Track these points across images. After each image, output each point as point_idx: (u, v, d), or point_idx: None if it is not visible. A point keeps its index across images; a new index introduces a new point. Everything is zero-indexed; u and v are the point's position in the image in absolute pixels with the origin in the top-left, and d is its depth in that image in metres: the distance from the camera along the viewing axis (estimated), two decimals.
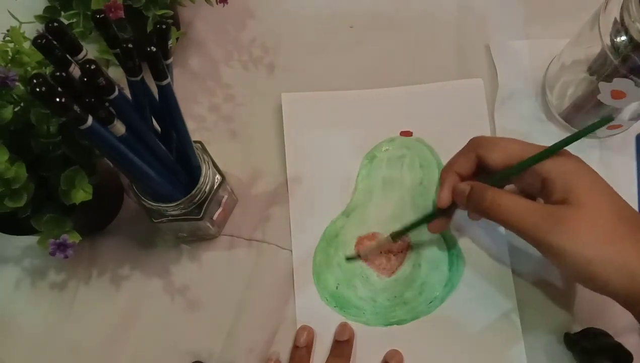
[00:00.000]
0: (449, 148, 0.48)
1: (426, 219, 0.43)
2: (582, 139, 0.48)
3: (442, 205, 0.41)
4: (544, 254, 0.36)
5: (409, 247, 0.46)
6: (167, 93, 0.33)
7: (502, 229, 0.46)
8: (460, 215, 0.47)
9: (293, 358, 0.43)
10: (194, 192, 0.39)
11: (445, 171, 0.41)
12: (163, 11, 0.43)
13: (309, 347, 0.43)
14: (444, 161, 0.48)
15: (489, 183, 0.38)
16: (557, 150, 0.37)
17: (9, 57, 0.35)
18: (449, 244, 0.46)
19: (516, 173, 0.37)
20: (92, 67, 0.28)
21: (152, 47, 0.30)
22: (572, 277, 0.36)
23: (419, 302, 0.44)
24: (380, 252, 0.46)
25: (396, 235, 0.44)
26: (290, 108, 0.50)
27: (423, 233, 0.46)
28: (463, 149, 0.41)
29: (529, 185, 0.38)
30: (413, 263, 0.46)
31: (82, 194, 0.36)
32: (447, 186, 0.40)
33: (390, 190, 0.48)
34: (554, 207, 0.35)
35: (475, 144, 0.40)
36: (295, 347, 0.43)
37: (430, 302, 0.44)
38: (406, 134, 0.49)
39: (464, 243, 0.46)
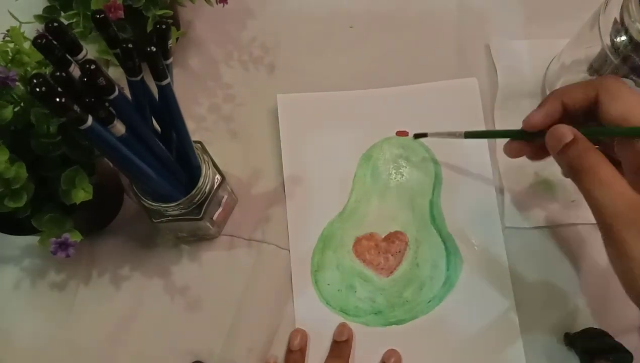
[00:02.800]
0: (445, 147, 0.48)
1: (508, 133, 0.38)
2: None
3: (528, 127, 0.36)
4: (605, 245, 0.32)
5: (407, 247, 0.46)
6: (167, 93, 0.33)
7: (499, 227, 0.46)
8: (459, 215, 0.47)
9: (287, 362, 0.43)
10: (194, 192, 0.39)
11: (553, 95, 0.36)
12: (163, 11, 0.43)
13: (302, 350, 0.43)
14: (440, 160, 0.48)
15: (586, 133, 0.33)
16: None
17: (9, 57, 0.35)
18: (447, 243, 0.46)
19: (628, 135, 0.33)
20: (92, 67, 0.28)
21: (152, 47, 0.30)
22: (621, 282, 0.32)
23: (418, 302, 0.45)
24: (379, 252, 0.46)
25: (469, 135, 0.41)
26: (286, 109, 0.50)
27: (421, 233, 0.46)
28: (585, 81, 0.35)
29: (634, 161, 0.33)
30: (411, 263, 0.46)
31: (82, 194, 0.36)
32: (545, 110, 0.35)
33: (387, 190, 0.48)
34: None
35: (601, 83, 0.34)
36: (289, 351, 0.43)
37: (429, 302, 0.44)
38: (402, 133, 0.49)
39: (461, 242, 0.46)
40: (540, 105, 0.36)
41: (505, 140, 0.40)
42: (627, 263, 0.31)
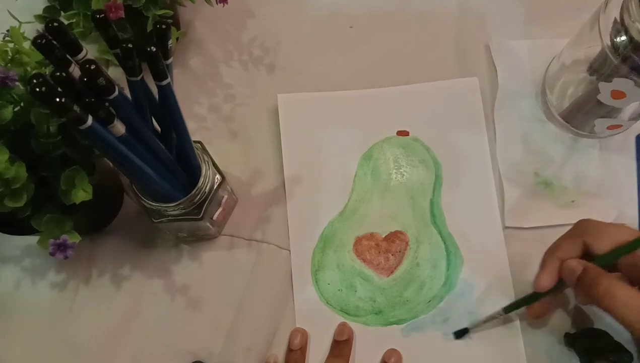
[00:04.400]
0: (445, 147, 0.48)
1: (526, 301, 0.41)
2: (582, 138, 0.49)
3: (540, 288, 0.39)
4: None
5: (408, 247, 0.46)
6: (167, 93, 0.33)
7: (499, 227, 0.46)
8: (459, 215, 0.47)
9: (288, 361, 0.43)
10: (194, 192, 0.39)
11: (548, 254, 0.40)
12: (163, 11, 0.43)
13: (303, 349, 0.43)
14: (441, 160, 0.48)
15: (595, 264, 0.36)
16: None
17: (9, 57, 0.35)
18: (447, 243, 0.46)
19: (623, 253, 0.36)
20: (92, 67, 0.28)
21: (152, 47, 0.30)
22: None
23: (418, 302, 0.45)
24: (379, 252, 0.46)
25: (508, 310, 0.42)
26: (287, 109, 0.50)
27: (421, 232, 0.46)
28: (568, 232, 0.39)
29: (633, 272, 0.36)
30: (411, 263, 0.46)
31: (82, 194, 0.36)
32: (548, 270, 0.39)
33: (387, 190, 0.48)
34: None
35: (582, 229, 0.38)
36: (290, 350, 0.43)
37: (429, 301, 0.44)
38: (403, 133, 0.49)
39: (461, 242, 0.46)
40: (542, 268, 0.39)
41: None
42: None
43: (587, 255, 0.38)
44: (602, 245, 0.37)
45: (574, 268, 0.37)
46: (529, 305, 0.41)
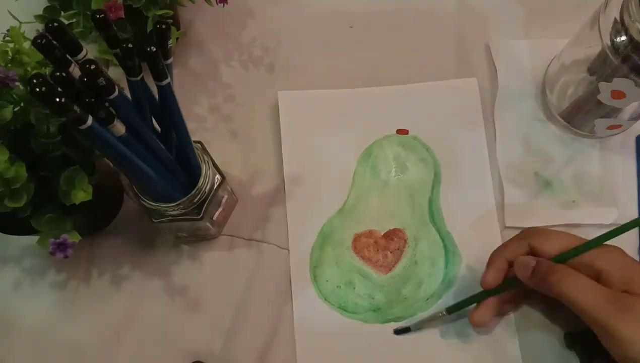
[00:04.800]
0: (444, 146, 0.49)
1: (470, 302, 0.42)
2: (582, 138, 0.49)
3: (486, 286, 0.41)
4: (601, 338, 0.36)
5: (406, 244, 0.46)
6: (167, 93, 0.33)
7: (497, 226, 0.46)
8: (458, 214, 0.47)
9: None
10: (194, 192, 0.39)
11: (495, 255, 0.41)
12: (163, 11, 0.43)
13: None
14: (440, 159, 0.48)
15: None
16: (606, 240, 0.37)
17: (9, 57, 0.35)
18: (446, 241, 0.46)
19: (570, 257, 0.38)
20: (92, 67, 0.28)
21: (152, 47, 0.30)
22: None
23: (417, 299, 0.45)
24: (378, 249, 0.46)
25: (451, 310, 0.42)
26: (287, 106, 0.50)
27: (420, 230, 0.46)
28: (515, 237, 0.41)
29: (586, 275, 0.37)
30: (410, 261, 0.46)
31: (82, 194, 0.36)
32: (494, 269, 0.41)
33: (386, 187, 0.48)
34: (620, 294, 0.35)
35: (529, 234, 0.41)
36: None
37: (428, 299, 0.45)
38: (402, 132, 0.49)
39: (460, 240, 0.46)
40: (488, 266, 0.41)
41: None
42: (629, 349, 0.34)
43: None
44: (547, 247, 0.39)
45: (527, 262, 0.38)
46: (471, 312, 0.41)
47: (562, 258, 0.38)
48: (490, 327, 0.44)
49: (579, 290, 0.36)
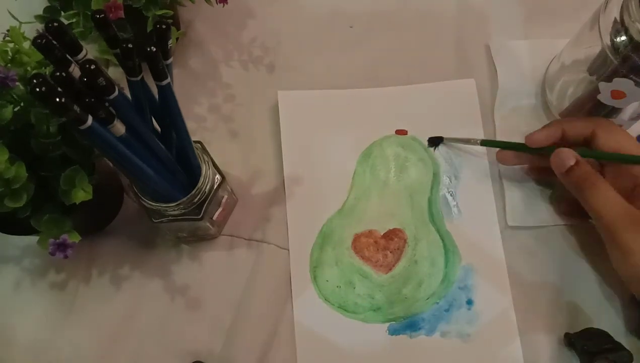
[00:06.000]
0: (444, 146, 0.49)
1: (507, 145, 0.45)
2: None
3: (531, 141, 0.43)
4: (610, 249, 0.39)
5: (406, 244, 0.46)
6: (167, 93, 0.33)
7: (497, 226, 0.46)
8: (457, 213, 0.47)
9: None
10: (194, 192, 0.39)
11: (556, 122, 0.43)
12: (163, 11, 0.43)
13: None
14: (439, 160, 0.48)
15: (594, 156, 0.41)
16: None
17: (9, 57, 0.35)
18: (445, 241, 0.46)
19: (621, 161, 0.40)
20: (92, 67, 0.28)
21: (152, 47, 0.30)
22: (628, 279, 0.39)
23: (417, 299, 0.45)
24: (377, 249, 0.46)
25: (485, 143, 0.46)
26: (287, 105, 0.50)
27: (420, 230, 0.46)
28: (584, 118, 0.43)
29: (621, 184, 0.40)
30: (410, 260, 0.46)
31: (82, 194, 0.36)
32: (547, 131, 0.42)
33: (386, 187, 0.48)
34: (638, 211, 0.38)
35: (598, 122, 0.42)
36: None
37: (428, 299, 0.45)
38: (401, 132, 0.49)
39: (460, 240, 0.46)
40: (543, 127, 0.43)
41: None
42: (630, 259, 0.37)
43: (585, 143, 0.42)
44: (610, 140, 0.40)
45: (567, 157, 0.40)
46: (500, 150, 0.45)
47: (599, 156, 0.40)
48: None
49: (602, 198, 0.38)
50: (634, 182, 0.40)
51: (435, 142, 0.48)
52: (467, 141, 0.47)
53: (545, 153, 0.42)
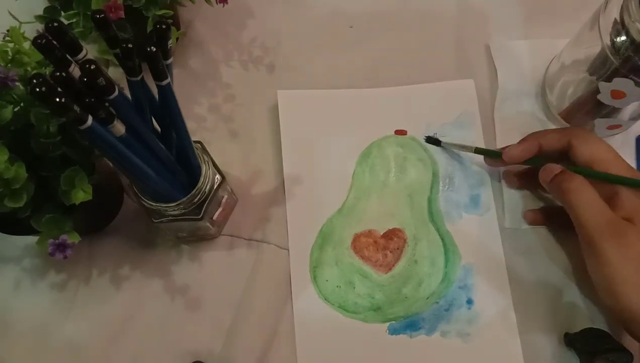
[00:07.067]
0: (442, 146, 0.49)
1: (492, 153, 0.45)
2: None
3: (507, 158, 0.43)
4: (586, 256, 0.38)
5: (406, 244, 0.46)
6: (167, 93, 0.33)
7: (496, 226, 0.46)
8: (457, 213, 0.47)
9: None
10: (194, 192, 0.39)
11: (532, 135, 0.43)
12: (163, 11, 0.43)
13: None
14: (438, 160, 0.48)
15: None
16: (634, 185, 0.39)
17: (9, 57, 0.35)
18: (445, 241, 0.46)
19: (597, 179, 0.39)
20: (92, 67, 0.28)
21: (152, 47, 0.30)
22: (600, 288, 0.38)
23: (417, 298, 0.45)
24: (377, 249, 0.46)
25: (478, 151, 0.46)
26: (286, 105, 0.50)
27: (419, 230, 0.46)
28: (559, 129, 0.43)
29: (599, 190, 0.39)
30: (409, 260, 0.46)
31: (82, 194, 0.36)
32: (523, 146, 0.42)
33: (385, 187, 0.48)
34: (620, 220, 0.37)
35: (573, 131, 0.42)
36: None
37: (427, 298, 0.45)
38: (401, 132, 0.49)
39: (459, 239, 0.46)
40: (520, 142, 0.43)
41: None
42: (606, 270, 0.37)
43: (561, 155, 0.42)
44: (585, 149, 0.40)
45: (553, 168, 0.41)
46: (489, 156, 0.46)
47: (585, 173, 0.40)
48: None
49: (585, 204, 0.38)
50: (612, 191, 0.39)
51: (433, 142, 0.49)
52: (463, 147, 0.47)
53: (528, 163, 0.43)
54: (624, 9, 0.38)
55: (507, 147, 0.43)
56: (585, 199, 0.38)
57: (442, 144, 0.48)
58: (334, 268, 0.45)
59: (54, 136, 0.35)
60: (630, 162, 0.48)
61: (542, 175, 0.42)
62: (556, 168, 0.41)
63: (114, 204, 0.47)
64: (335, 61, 0.52)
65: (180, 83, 0.51)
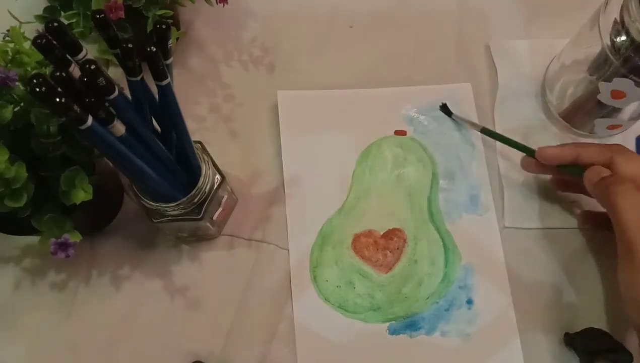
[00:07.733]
0: (443, 146, 0.49)
1: (519, 146, 0.45)
2: (582, 138, 0.49)
3: (540, 157, 0.42)
4: (622, 260, 0.38)
5: (406, 244, 0.46)
6: (167, 93, 0.33)
7: (496, 226, 0.46)
8: (457, 213, 0.47)
9: None
10: (194, 192, 0.39)
11: (572, 144, 0.43)
12: (163, 11, 0.43)
13: None
14: (438, 160, 0.49)
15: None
16: None
17: (9, 57, 0.35)
18: (445, 240, 0.46)
19: None
20: (92, 67, 0.28)
21: (152, 47, 0.30)
22: (628, 295, 0.38)
23: (417, 298, 0.45)
24: (377, 249, 0.46)
25: (486, 132, 0.47)
26: (286, 105, 0.50)
27: (419, 230, 0.46)
28: (600, 144, 0.42)
29: None
30: (409, 260, 0.46)
31: (82, 194, 0.36)
32: (561, 150, 0.42)
33: (385, 187, 0.48)
34: None
35: (616, 147, 0.41)
36: None
37: (428, 298, 0.45)
38: (400, 133, 0.49)
39: (459, 239, 0.46)
40: (559, 145, 0.42)
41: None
42: (636, 271, 0.36)
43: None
44: (628, 166, 0.40)
45: (601, 170, 0.40)
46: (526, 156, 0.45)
47: None
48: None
49: (630, 207, 0.37)
50: None
51: (446, 112, 0.50)
52: (473, 125, 0.48)
53: (545, 172, 0.43)
54: (624, 9, 0.38)
55: (542, 147, 0.43)
56: (630, 203, 0.37)
57: (452, 116, 0.49)
58: (334, 268, 0.46)
59: (54, 136, 0.35)
60: None
61: (589, 175, 0.41)
62: (604, 170, 0.40)
63: (114, 204, 0.47)
64: (335, 61, 0.52)
65: (180, 83, 0.51)
